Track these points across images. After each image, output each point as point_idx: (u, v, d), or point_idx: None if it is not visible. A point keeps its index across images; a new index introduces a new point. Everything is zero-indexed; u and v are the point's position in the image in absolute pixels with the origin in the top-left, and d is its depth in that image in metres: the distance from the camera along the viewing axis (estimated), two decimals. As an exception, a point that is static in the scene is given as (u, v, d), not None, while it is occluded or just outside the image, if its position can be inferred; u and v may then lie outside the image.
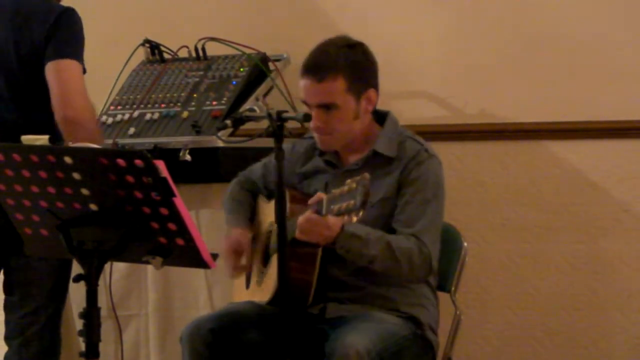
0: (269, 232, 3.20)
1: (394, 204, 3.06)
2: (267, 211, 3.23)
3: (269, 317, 3.05)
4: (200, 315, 3.24)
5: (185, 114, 3.77)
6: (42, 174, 2.43)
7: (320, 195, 2.74)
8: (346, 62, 3.03)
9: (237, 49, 3.89)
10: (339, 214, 2.62)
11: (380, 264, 2.96)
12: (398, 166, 3.07)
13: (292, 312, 2.63)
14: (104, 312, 2.59)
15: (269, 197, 3.27)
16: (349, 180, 2.61)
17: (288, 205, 3.00)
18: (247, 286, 3.27)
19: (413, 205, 3.02)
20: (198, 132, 3.64)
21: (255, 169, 3.35)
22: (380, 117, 3.16)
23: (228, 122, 2.91)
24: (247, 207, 3.32)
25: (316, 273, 3.00)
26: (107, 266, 2.53)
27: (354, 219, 2.56)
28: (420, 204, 3.02)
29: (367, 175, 2.56)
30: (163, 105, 3.84)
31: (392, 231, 3.03)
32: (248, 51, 3.89)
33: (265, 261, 3.18)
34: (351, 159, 3.14)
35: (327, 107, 3.02)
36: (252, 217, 3.31)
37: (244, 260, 3.17)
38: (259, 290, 3.16)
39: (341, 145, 3.11)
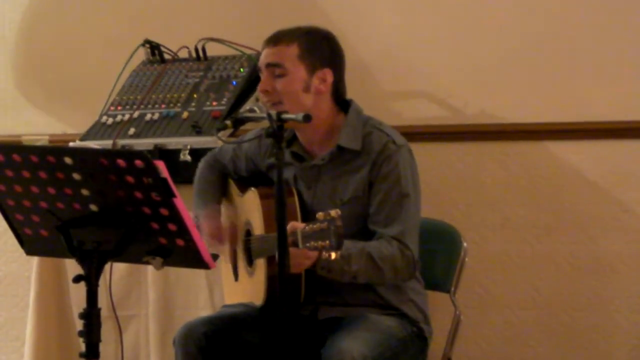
0: (247, 231, 3.18)
1: (365, 202, 3.02)
2: (243, 207, 3.21)
3: (263, 320, 3.04)
4: (198, 316, 3.24)
5: (185, 114, 3.77)
6: (42, 175, 2.42)
7: (295, 225, 2.68)
8: (306, 36, 3.05)
9: (237, 49, 3.90)
10: (316, 250, 2.61)
11: (364, 277, 2.93)
12: (366, 161, 3.02)
13: (286, 310, 2.62)
14: (104, 313, 2.58)
15: (238, 182, 3.25)
16: (320, 214, 2.57)
17: (259, 202, 3.01)
18: (236, 278, 3.27)
19: (390, 204, 2.98)
20: (198, 133, 3.65)
21: (225, 152, 3.33)
22: (346, 107, 3.11)
23: (228, 122, 2.91)
24: (219, 190, 3.32)
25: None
26: (107, 266, 2.53)
27: (333, 255, 2.55)
28: (397, 201, 2.98)
29: (336, 212, 2.54)
30: (163, 106, 3.84)
31: (368, 231, 2.99)
32: (248, 51, 3.89)
33: (250, 262, 3.17)
34: (318, 152, 3.10)
35: (275, 68, 3.01)
36: (224, 195, 3.33)
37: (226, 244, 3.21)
38: (250, 291, 3.16)
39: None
